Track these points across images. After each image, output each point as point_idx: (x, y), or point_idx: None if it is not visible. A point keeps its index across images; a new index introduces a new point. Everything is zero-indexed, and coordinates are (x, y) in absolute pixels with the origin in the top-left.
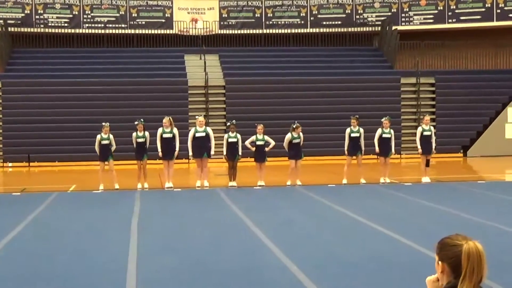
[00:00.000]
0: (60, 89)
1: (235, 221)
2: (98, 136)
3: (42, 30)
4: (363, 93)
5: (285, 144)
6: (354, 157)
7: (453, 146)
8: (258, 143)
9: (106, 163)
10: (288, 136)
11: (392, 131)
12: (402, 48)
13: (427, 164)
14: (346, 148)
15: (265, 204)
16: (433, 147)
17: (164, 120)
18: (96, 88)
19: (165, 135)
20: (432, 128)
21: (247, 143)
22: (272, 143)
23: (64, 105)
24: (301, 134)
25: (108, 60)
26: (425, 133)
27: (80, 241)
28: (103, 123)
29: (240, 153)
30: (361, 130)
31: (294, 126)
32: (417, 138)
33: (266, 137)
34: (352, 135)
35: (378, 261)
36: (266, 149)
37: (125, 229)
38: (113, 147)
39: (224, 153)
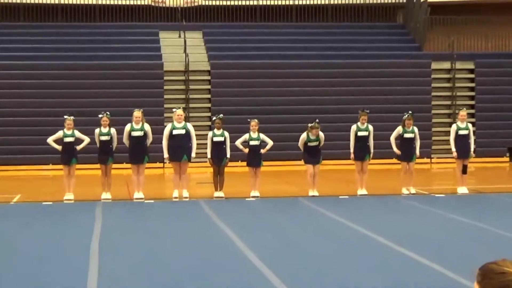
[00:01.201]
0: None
1: (222, 242)
2: (60, 133)
3: None
4: (383, 81)
5: (300, 145)
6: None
7: (497, 149)
8: (252, 143)
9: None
10: (303, 136)
11: (416, 130)
12: (433, 25)
13: (464, 171)
14: (352, 150)
15: (261, 220)
16: (472, 149)
17: (135, 114)
18: (47, 73)
19: (134, 133)
20: (470, 125)
21: (238, 143)
22: (270, 143)
23: (5, 94)
24: (321, 135)
25: (63, 37)
26: (461, 132)
27: (27, 267)
28: (65, 116)
29: (228, 156)
30: (370, 127)
31: (310, 126)
32: (451, 138)
33: (262, 136)
34: (360, 133)
35: None
36: (262, 150)
37: (83, 252)
38: (82, 145)
39: (209, 155)
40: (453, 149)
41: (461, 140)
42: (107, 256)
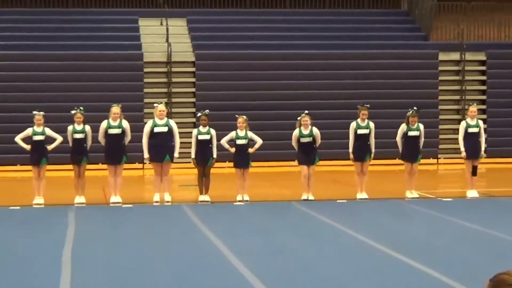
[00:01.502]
0: None
1: (207, 249)
2: (29, 130)
3: None
4: (386, 73)
5: (293, 143)
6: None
7: (510, 148)
8: (239, 142)
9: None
10: (295, 132)
11: (421, 127)
12: (441, 12)
13: (474, 172)
14: (351, 149)
15: (249, 226)
16: (482, 149)
17: (112, 110)
18: (14, 64)
19: (111, 130)
20: (481, 123)
21: (223, 141)
22: (259, 141)
23: None
24: (315, 130)
25: (32, 25)
26: (471, 129)
27: None
28: (35, 112)
29: (214, 156)
30: (371, 124)
31: (298, 118)
32: (460, 137)
33: (251, 134)
34: (360, 131)
35: None
36: (250, 150)
37: (55, 262)
38: (54, 145)
39: (193, 155)
40: (462, 149)
41: (471, 139)
42: (80, 266)
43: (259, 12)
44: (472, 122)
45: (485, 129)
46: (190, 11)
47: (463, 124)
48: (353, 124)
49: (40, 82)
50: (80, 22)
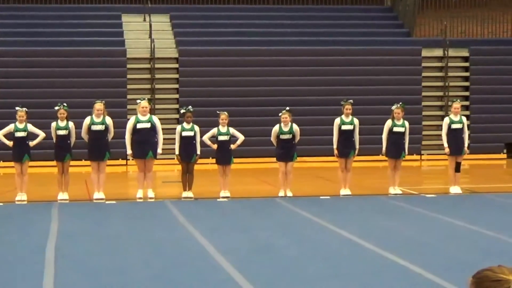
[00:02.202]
0: None
1: (191, 247)
2: (11, 126)
3: None
4: (369, 70)
5: (273, 139)
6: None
7: (493, 144)
8: (221, 138)
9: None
10: (275, 128)
11: (406, 124)
12: (424, 8)
13: (457, 169)
14: (335, 146)
15: (233, 223)
16: (466, 145)
17: (96, 106)
18: None
19: (95, 127)
20: (464, 119)
21: (205, 138)
22: (241, 138)
23: None
24: (295, 127)
25: (14, 21)
26: (454, 125)
27: None
28: (17, 108)
29: (198, 152)
30: (356, 121)
31: (280, 115)
32: (444, 133)
33: (232, 130)
34: (344, 127)
35: None
36: (232, 146)
37: (37, 260)
38: (36, 141)
39: (177, 151)
40: (445, 145)
41: (454, 135)
42: (64, 263)
43: (241, 8)
44: (456, 118)
45: (468, 126)
46: (173, 7)
47: (446, 120)
48: (337, 120)
49: (22, 78)
50: (63, 18)
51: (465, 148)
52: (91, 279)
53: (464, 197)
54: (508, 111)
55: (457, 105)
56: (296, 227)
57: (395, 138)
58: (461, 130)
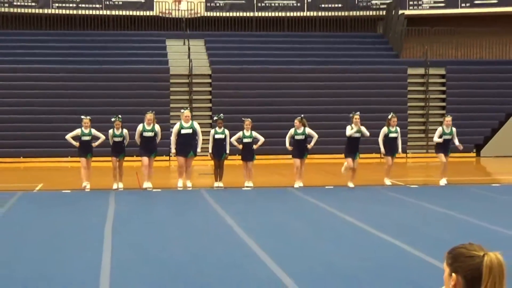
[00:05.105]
0: (25, 77)
1: (221, 227)
2: (78, 130)
3: (6, 10)
4: (365, 84)
5: (287, 138)
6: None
7: (465, 145)
8: (245, 140)
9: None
10: (290, 131)
11: (398, 130)
12: (409, 35)
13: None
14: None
15: (255, 207)
16: (449, 149)
17: (147, 116)
18: (66, 76)
19: (146, 133)
20: (454, 129)
21: (232, 140)
22: (261, 140)
23: (29, 95)
24: (308, 130)
25: (80, 44)
26: (446, 137)
27: (44, 249)
28: (82, 116)
29: (227, 151)
30: (363, 129)
31: (296, 120)
32: (436, 138)
33: (254, 133)
34: (353, 134)
35: (384, 274)
36: (254, 146)
37: (97, 236)
38: (98, 142)
39: (210, 150)
40: (438, 140)
41: (445, 143)
42: (118, 239)
43: (262, 35)
44: (447, 130)
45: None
46: (207, 34)
47: (439, 130)
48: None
49: (84, 90)
50: (119, 42)
51: (449, 152)
52: (141, 252)
53: (442, 188)
54: (477, 118)
55: (448, 118)
56: (306, 212)
57: (390, 141)
58: (450, 141)
